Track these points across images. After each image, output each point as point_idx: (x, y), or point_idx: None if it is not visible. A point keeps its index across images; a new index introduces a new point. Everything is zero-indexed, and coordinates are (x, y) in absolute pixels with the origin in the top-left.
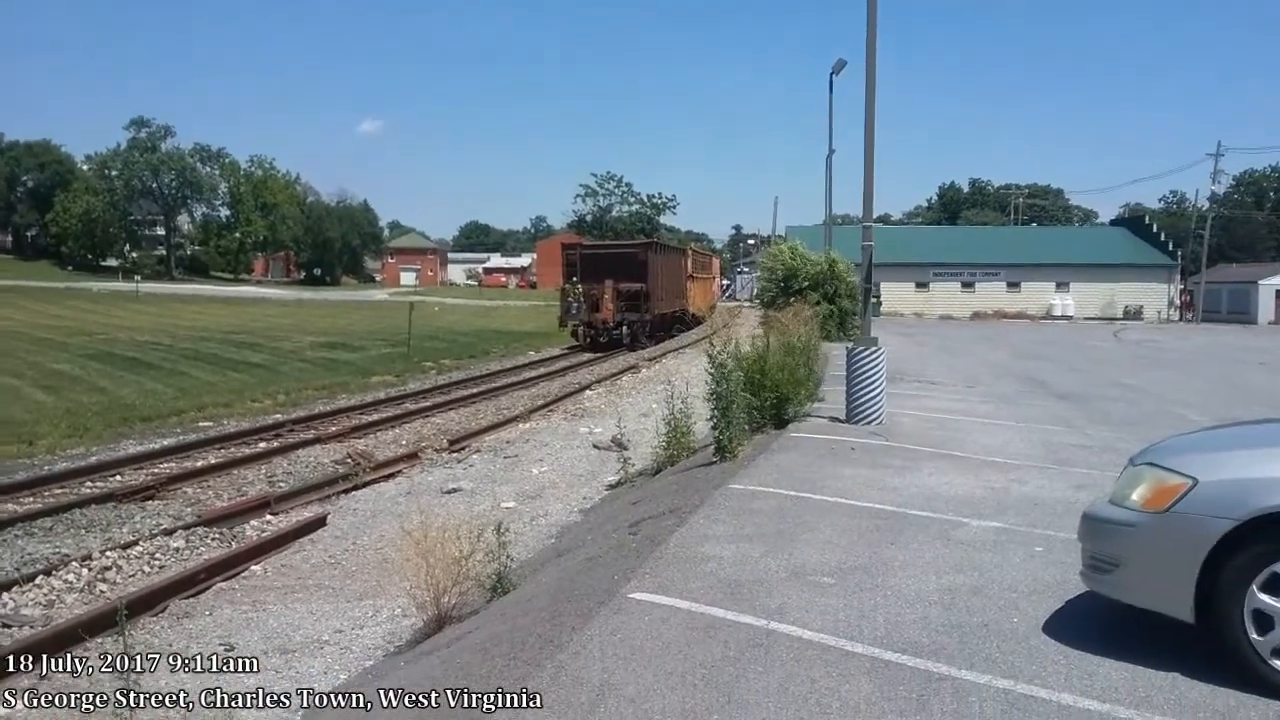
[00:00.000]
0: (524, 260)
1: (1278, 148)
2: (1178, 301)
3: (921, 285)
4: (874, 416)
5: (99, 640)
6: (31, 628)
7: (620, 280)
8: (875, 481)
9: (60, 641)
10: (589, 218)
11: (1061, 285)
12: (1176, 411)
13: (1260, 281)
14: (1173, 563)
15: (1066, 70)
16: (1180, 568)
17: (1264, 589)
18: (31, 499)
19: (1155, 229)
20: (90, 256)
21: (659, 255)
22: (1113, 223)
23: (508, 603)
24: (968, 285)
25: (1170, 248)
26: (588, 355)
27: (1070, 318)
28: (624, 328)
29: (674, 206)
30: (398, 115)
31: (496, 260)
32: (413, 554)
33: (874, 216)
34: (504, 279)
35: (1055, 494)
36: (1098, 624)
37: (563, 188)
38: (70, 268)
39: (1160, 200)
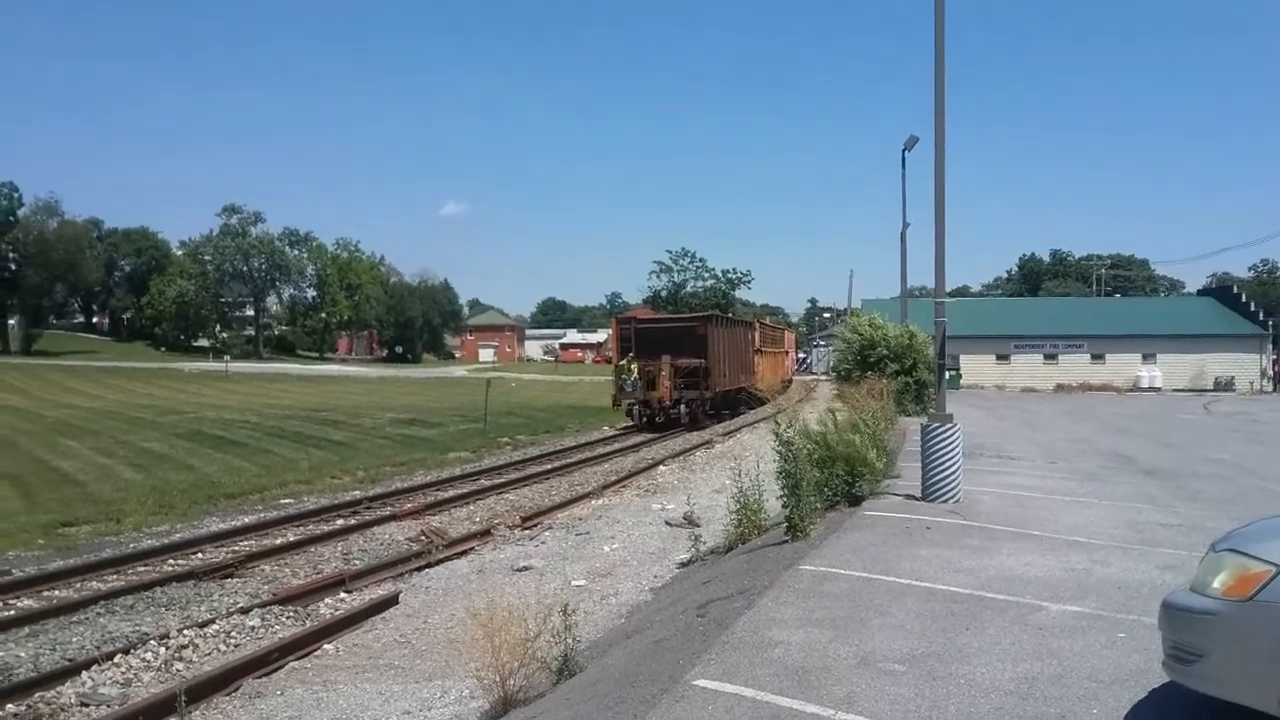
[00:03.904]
0: (600, 336)
1: None
2: (1271, 372)
3: (1002, 357)
4: (951, 494)
5: None
6: (108, 707)
7: (678, 356)
8: (951, 563)
9: None
10: (664, 293)
11: (1148, 357)
12: (1273, 489)
13: None
14: (1258, 653)
15: (1149, 139)
16: (1266, 658)
17: None
18: (115, 576)
19: (1245, 298)
20: (183, 337)
21: (721, 329)
22: (1200, 293)
23: (573, 686)
24: (1050, 357)
25: (1261, 317)
26: (658, 432)
27: (1158, 389)
28: (682, 406)
29: (749, 281)
30: (479, 198)
31: (573, 336)
32: (479, 635)
33: (952, 288)
34: (580, 354)
35: (1140, 576)
36: (1183, 716)
37: (638, 263)
38: (164, 349)
39: (1250, 269)
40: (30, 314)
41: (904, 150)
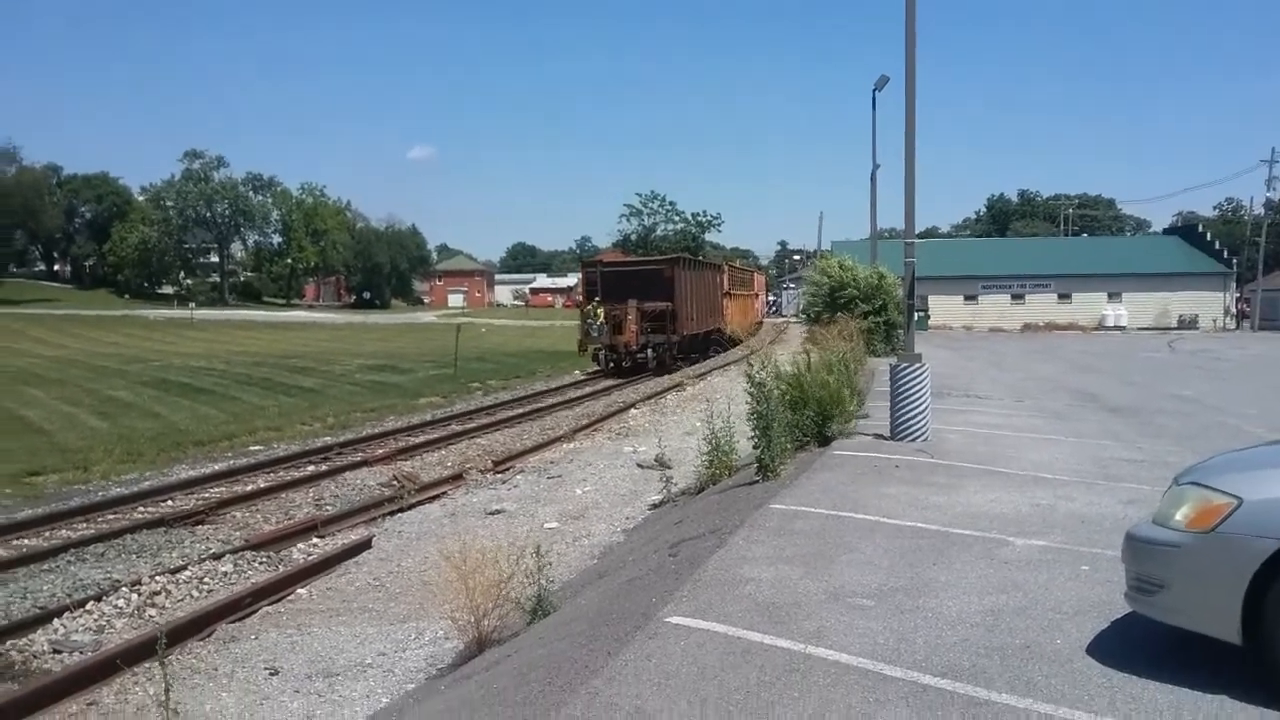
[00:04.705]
0: (570, 280)
1: None
2: (1234, 310)
3: (970, 298)
4: (919, 433)
5: (146, 665)
6: (81, 653)
7: (645, 300)
8: (919, 500)
9: (107, 668)
10: (634, 237)
11: (1114, 296)
12: (1233, 424)
13: None
14: (1218, 584)
15: (1117, 79)
16: (1226, 589)
17: None
18: (85, 525)
19: (1210, 237)
20: (146, 285)
21: (688, 272)
22: (1166, 231)
23: (547, 626)
24: (1018, 297)
25: (1225, 255)
26: (625, 377)
27: (1123, 328)
28: (649, 350)
29: (719, 224)
30: (446, 141)
31: (543, 280)
32: (453, 577)
33: (921, 229)
34: (550, 299)
35: (1104, 510)
36: (1144, 645)
37: (608, 207)
38: (127, 296)
39: (1215, 208)
40: None
41: (874, 90)
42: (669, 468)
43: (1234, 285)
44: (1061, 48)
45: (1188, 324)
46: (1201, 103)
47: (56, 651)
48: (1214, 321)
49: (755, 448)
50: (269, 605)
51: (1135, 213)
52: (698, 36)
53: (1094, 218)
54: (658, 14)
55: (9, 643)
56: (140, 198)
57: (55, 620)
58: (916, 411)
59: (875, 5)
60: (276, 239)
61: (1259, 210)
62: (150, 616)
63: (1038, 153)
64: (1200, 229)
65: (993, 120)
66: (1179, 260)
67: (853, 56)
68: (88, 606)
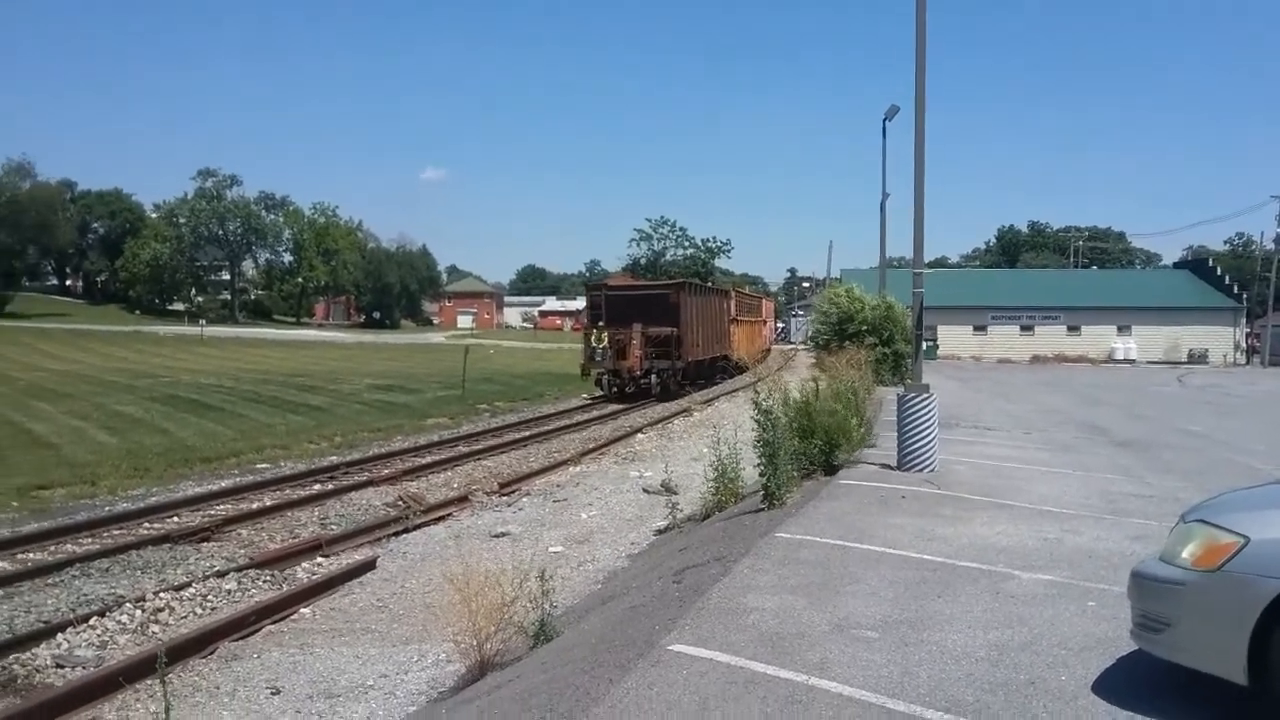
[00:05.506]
0: (579, 304)
1: None
2: (1244, 345)
3: (979, 328)
4: (926, 464)
5: (148, 682)
6: (84, 668)
7: (649, 324)
8: (925, 531)
9: (109, 685)
10: (643, 261)
11: (1123, 329)
12: (1242, 461)
13: None
14: (1224, 623)
15: (1128, 113)
16: (1232, 628)
17: None
18: (90, 540)
19: (1220, 272)
20: (157, 301)
21: (694, 297)
22: (1176, 265)
23: (550, 651)
24: (1026, 328)
25: (1235, 290)
26: (629, 402)
27: (1133, 361)
28: (653, 376)
29: (729, 250)
30: (459, 163)
31: (552, 303)
32: (456, 600)
33: (930, 259)
34: (559, 322)
35: (1111, 545)
36: (1149, 683)
37: (619, 232)
38: (138, 312)
39: (1225, 243)
40: (2, 276)
41: (885, 120)
42: (675, 493)
43: (1244, 320)
44: (1074, 80)
45: (1197, 358)
46: (1212, 138)
47: (59, 666)
48: (1224, 356)
49: (761, 475)
50: (272, 624)
51: (1145, 246)
52: (711, 65)
53: (1104, 250)
54: (671, 43)
55: (12, 656)
56: (153, 215)
57: (59, 635)
58: (924, 442)
59: (887, 35)
60: (288, 258)
61: (1269, 245)
62: (154, 633)
63: (1048, 185)
64: (1210, 263)
65: (1003, 151)
66: (1189, 294)
67: (865, 85)
68: (91, 622)
